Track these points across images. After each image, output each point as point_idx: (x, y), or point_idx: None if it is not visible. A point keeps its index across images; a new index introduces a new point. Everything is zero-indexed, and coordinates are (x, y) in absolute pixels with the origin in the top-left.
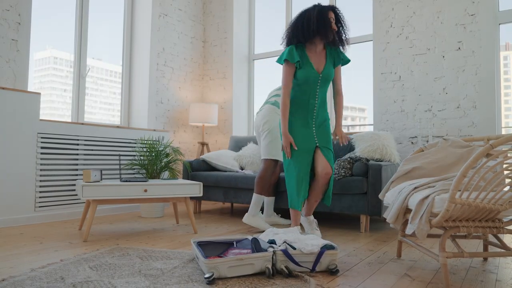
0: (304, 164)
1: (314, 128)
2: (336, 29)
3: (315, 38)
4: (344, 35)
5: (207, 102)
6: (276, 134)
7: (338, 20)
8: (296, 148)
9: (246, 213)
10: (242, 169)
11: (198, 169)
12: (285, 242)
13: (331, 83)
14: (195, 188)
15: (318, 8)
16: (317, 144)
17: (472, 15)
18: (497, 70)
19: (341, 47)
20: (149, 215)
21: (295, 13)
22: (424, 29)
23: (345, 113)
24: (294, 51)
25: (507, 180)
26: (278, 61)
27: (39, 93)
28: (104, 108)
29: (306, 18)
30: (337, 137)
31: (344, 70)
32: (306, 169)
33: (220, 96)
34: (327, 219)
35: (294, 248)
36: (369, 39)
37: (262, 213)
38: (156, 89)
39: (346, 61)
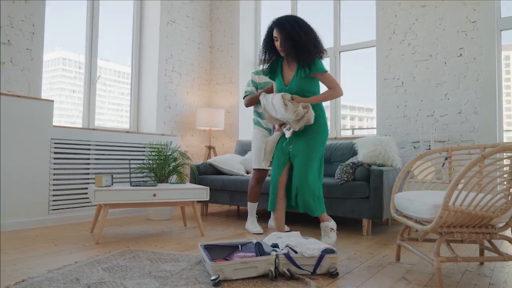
0: None
1: None
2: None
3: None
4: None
5: (214, 107)
6: (255, 145)
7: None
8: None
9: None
10: (247, 173)
11: (205, 173)
12: (287, 246)
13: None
14: (202, 193)
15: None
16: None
17: (473, 22)
18: (498, 76)
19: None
20: (157, 217)
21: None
22: (426, 35)
23: (352, 113)
24: None
25: (500, 187)
26: (323, 70)
27: (52, 100)
28: (112, 109)
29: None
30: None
31: (350, 71)
32: None
33: (227, 101)
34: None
35: (296, 252)
36: (373, 45)
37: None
38: (165, 94)
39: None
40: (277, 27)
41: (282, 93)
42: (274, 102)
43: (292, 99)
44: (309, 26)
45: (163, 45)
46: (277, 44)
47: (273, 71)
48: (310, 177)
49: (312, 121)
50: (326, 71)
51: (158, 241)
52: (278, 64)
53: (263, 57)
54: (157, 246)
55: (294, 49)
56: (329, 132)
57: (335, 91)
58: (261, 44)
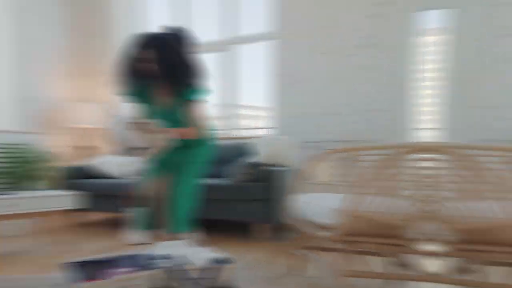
0: None
1: None
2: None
3: None
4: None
5: (87, 101)
6: None
7: None
8: None
9: None
10: (128, 176)
11: (77, 177)
12: (174, 256)
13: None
14: (69, 200)
15: None
16: None
17: (381, 5)
18: (408, 67)
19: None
20: (11, 233)
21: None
22: (330, 25)
23: (248, 112)
24: None
25: (407, 192)
26: (191, 97)
27: None
28: None
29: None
30: None
31: (244, 67)
32: None
33: (102, 95)
34: (220, 227)
35: (185, 263)
36: (269, 37)
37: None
38: (22, 85)
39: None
40: (151, 48)
41: (128, 123)
42: (126, 132)
43: (143, 128)
44: (188, 46)
45: (16, 26)
46: (147, 65)
47: (139, 94)
48: (183, 196)
49: (164, 143)
50: (195, 100)
51: (11, 263)
52: (146, 88)
53: (125, 78)
54: (9, 270)
55: (168, 73)
56: (216, 142)
57: (189, 132)
58: (121, 62)
